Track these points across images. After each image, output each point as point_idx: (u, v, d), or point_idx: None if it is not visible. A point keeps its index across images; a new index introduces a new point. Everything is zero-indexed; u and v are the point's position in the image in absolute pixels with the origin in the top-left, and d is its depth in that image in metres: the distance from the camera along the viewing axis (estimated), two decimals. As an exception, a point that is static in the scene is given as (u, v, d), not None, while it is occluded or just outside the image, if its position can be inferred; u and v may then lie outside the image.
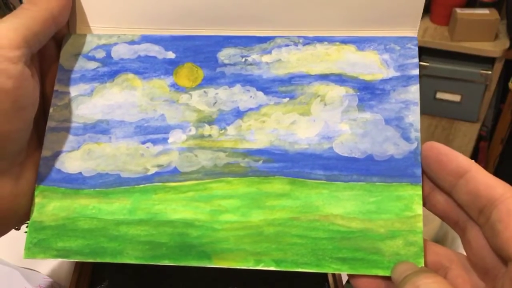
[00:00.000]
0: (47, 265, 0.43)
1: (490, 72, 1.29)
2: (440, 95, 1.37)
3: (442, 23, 1.35)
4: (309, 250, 0.26)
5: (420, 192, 0.27)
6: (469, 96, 1.34)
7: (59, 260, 0.41)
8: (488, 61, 1.28)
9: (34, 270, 0.42)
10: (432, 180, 0.27)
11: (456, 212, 0.26)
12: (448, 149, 0.26)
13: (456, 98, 1.36)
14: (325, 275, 0.40)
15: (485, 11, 1.28)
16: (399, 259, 0.26)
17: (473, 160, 0.25)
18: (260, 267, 0.26)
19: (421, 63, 1.33)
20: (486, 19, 1.26)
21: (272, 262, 0.26)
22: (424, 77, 1.35)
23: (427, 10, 1.39)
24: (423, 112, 1.41)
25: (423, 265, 0.26)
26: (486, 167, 1.38)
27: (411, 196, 0.26)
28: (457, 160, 0.25)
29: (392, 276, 0.25)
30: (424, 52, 1.33)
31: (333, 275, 0.40)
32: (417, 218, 0.26)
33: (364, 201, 0.27)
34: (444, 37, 1.31)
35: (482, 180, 0.24)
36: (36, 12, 0.27)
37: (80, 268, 0.40)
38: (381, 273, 0.26)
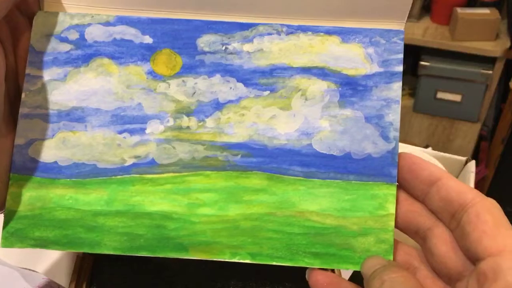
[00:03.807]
0: (46, 265, 0.42)
1: (490, 72, 1.29)
2: (440, 95, 1.37)
3: (442, 22, 1.35)
4: (283, 245, 0.27)
5: (395, 192, 0.27)
6: (470, 96, 1.34)
7: (59, 260, 0.41)
8: (489, 61, 1.28)
9: (33, 270, 0.42)
10: (405, 189, 0.27)
11: (416, 223, 0.27)
12: (420, 159, 0.27)
13: (457, 98, 1.35)
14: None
15: (486, 10, 1.27)
16: (369, 255, 0.26)
17: (444, 169, 0.26)
18: (236, 259, 0.27)
19: (422, 62, 1.34)
20: (487, 18, 1.25)
21: (248, 255, 0.27)
22: (425, 77, 1.35)
23: (428, 10, 1.39)
24: (423, 112, 1.41)
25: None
26: (487, 167, 1.38)
27: (386, 195, 0.27)
28: (429, 169, 0.26)
29: (362, 270, 0.26)
30: (425, 52, 1.33)
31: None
32: (390, 217, 0.27)
33: (339, 199, 0.27)
34: (445, 37, 1.31)
35: (454, 186, 0.25)
36: None
37: (79, 268, 0.40)
38: (351, 268, 0.26)
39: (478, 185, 1.34)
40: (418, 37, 1.30)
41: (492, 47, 1.26)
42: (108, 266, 0.40)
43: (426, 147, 0.75)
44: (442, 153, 0.57)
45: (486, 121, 1.43)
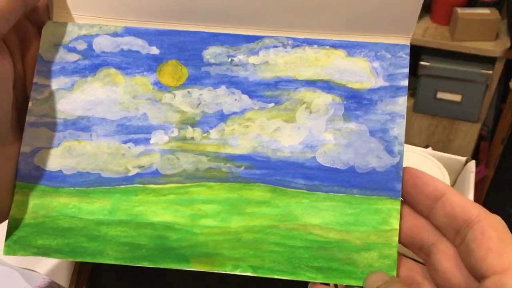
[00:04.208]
0: (46, 266, 0.42)
1: (490, 72, 1.28)
2: (440, 95, 1.37)
3: (442, 22, 1.35)
4: (285, 258, 0.27)
5: (399, 207, 0.27)
6: (470, 96, 1.34)
7: (59, 261, 0.41)
8: (489, 61, 1.28)
9: (33, 271, 0.42)
10: (409, 204, 0.27)
11: (420, 238, 0.26)
12: (425, 173, 0.26)
13: (457, 98, 1.35)
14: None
15: (486, 10, 1.27)
16: (372, 271, 0.26)
17: (448, 184, 0.25)
18: (237, 272, 0.27)
19: (422, 62, 1.33)
20: (487, 18, 1.25)
21: (249, 268, 0.27)
22: (425, 77, 1.35)
23: (428, 10, 1.39)
24: (423, 112, 1.41)
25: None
26: (487, 167, 1.38)
27: (389, 210, 0.27)
28: (433, 184, 0.26)
29: (365, 286, 0.26)
30: (425, 52, 1.33)
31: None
32: (393, 232, 0.27)
33: (342, 213, 0.27)
34: (445, 37, 1.31)
35: (458, 202, 0.25)
36: None
37: (80, 268, 0.40)
38: (354, 283, 0.26)
39: (478, 185, 1.34)
40: (418, 37, 1.30)
41: (492, 47, 1.26)
42: (108, 268, 0.40)
43: (426, 147, 0.75)
44: (442, 153, 0.57)
45: (486, 121, 1.43)
